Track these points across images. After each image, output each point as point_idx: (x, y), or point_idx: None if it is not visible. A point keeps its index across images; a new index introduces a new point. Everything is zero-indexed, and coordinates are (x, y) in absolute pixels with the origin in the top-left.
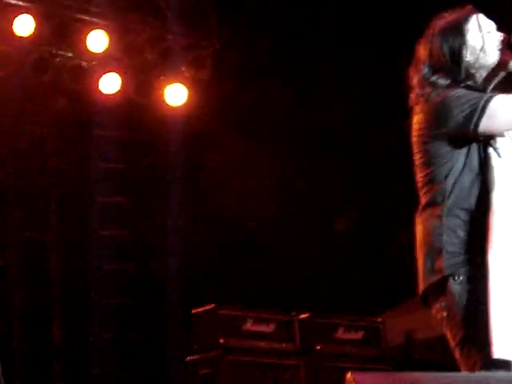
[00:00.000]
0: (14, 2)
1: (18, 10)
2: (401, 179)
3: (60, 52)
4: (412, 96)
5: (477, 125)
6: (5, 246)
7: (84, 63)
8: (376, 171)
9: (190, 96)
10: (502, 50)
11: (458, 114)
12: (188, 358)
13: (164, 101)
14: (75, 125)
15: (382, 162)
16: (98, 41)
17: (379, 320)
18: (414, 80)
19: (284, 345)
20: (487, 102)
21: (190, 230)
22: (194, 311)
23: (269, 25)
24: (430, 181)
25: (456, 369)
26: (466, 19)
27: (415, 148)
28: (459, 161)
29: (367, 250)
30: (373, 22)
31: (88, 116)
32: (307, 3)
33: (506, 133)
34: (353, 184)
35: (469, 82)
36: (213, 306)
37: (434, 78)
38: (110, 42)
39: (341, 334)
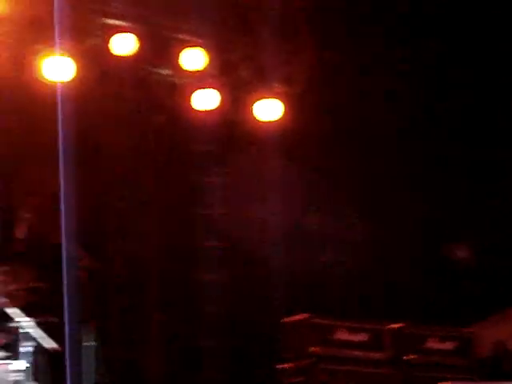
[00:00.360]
0: (113, 22)
1: (117, 30)
2: None
3: (158, 70)
4: None
5: None
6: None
7: (180, 80)
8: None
9: (283, 111)
10: None
11: None
12: (278, 366)
13: (256, 116)
14: (172, 140)
15: None
16: (194, 59)
17: (470, 330)
18: None
19: (375, 354)
20: None
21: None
22: (285, 320)
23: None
24: None
25: None
26: None
27: None
28: None
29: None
30: None
31: (184, 131)
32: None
33: None
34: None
35: None
36: (306, 315)
37: None
38: (207, 59)
39: (432, 344)
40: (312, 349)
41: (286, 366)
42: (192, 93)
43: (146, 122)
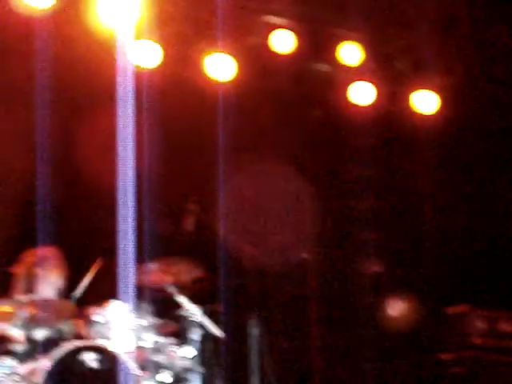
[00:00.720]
0: (273, 20)
1: (276, 28)
2: None
3: (316, 65)
4: None
5: None
6: None
7: (337, 75)
8: None
9: (440, 104)
10: None
11: None
12: (441, 356)
13: (413, 109)
14: (330, 134)
15: None
16: (351, 53)
17: None
18: None
19: None
20: None
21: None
22: (448, 311)
23: None
24: None
25: None
26: None
27: None
28: None
29: None
30: None
31: (342, 126)
32: None
33: None
34: None
35: None
36: (468, 306)
37: None
38: (363, 53)
39: None
40: (475, 340)
41: (448, 356)
42: (349, 87)
43: (304, 118)
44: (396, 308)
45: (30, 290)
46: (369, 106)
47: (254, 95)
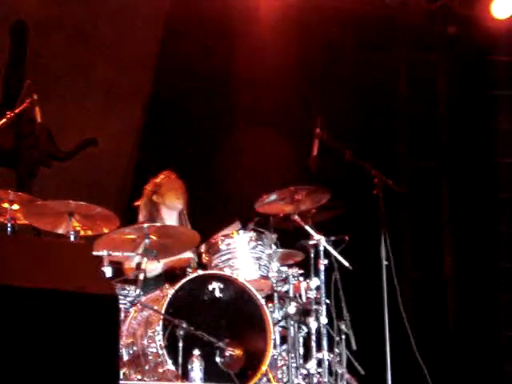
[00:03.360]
0: None
1: None
2: None
3: None
4: None
5: None
6: None
7: None
8: None
9: None
10: None
11: None
12: None
13: None
14: (468, 51)
15: None
16: None
17: None
18: None
19: None
20: None
21: None
22: None
23: None
24: None
25: None
26: None
27: None
28: None
29: None
30: None
31: (481, 41)
32: None
33: None
34: None
35: None
36: None
37: None
38: None
39: None
40: None
41: None
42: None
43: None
44: None
45: (152, 218)
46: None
47: None
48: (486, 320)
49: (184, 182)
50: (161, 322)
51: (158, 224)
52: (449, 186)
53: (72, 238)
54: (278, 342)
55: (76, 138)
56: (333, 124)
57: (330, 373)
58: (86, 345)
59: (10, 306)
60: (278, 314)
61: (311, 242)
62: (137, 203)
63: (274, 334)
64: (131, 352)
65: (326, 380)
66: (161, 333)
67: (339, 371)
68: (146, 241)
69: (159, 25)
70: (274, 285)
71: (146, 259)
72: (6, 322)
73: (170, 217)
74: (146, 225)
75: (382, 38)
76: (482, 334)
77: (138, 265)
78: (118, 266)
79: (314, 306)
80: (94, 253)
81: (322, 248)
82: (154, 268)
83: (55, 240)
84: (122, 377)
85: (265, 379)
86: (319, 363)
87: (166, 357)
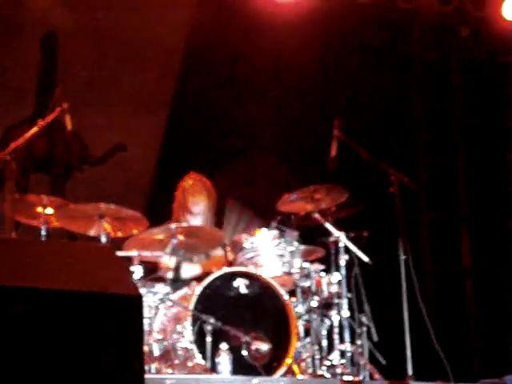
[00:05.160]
0: None
1: None
2: None
3: None
4: None
5: None
6: None
7: None
8: None
9: None
10: None
11: None
12: None
13: None
14: (479, 53)
15: None
16: None
17: None
18: None
19: None
20: None
21: None
22: None
23: None
24: None
25: None
26: None
27: None
28: None
29: None
30: None
31: (493, 43)
32: None
33: None
34: None
35: None
36: None
37: None
38: None
39: None
40: None
41: None
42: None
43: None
44: None
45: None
46: None
47: None
48: (505, 312)
49: (210, 182)
50: (189, 318)
51: (184, 224)
52: (465, 182)
53: (103, 239)
54: (301, 334)
55: (105, 144)
56: (350, 124)
57: (353, 363)
58: (110, 344)
59: (36, 308)
60: (301, 308)
61: (331, 239)
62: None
63: (298, 327)
64: (162, 347)
65: (348, 370)
66: (190, 328)
67: (361, 362)
68: (174, 241)
69: (183, 31)
70: (297, 280)
71: (173, 258)
72: (32, 324)
73: (193, 219)
74: (173, 225)
75: (396, 39)
76: (501, 326)
77: (177, 266)
78: (149, 266)
79: (336, 300)
80: (124, 253)
81: (342, 244)
82: (192, 270)
83: (79, 243)
84: (153, 371)
85: (290, 371)
86: (342, 354)
87: (195, 351)
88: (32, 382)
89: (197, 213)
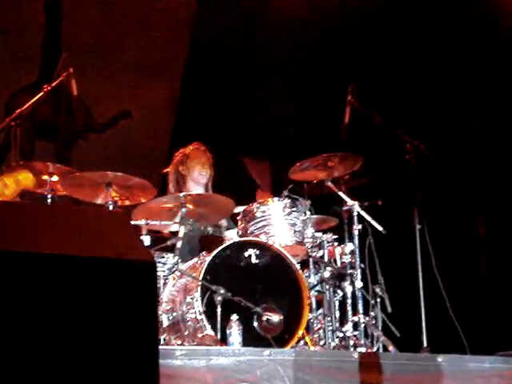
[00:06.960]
0: None
1: None
2: None
3: None
4: None
5: None
6: None
7: None
8: None
9: None
10: None
11: None
12: None
13: None
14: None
15: None
16: None
17: None
18: None
19: None
20: None
21: None
22: None
23: None
24: None
25: None
26: None
27: None
28: None
29: None
30: None
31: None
32: None
33: None
34: None
35: None
36: None
37: None
38: None
39: None
40: None
41: None
42: None
43: None
44: None
45: (179, 189)
46: None
47: None
48: None
49: (213, 155)
50: (199, 289)
51: (193, 193)
52: (482, 152)
53: (110, 207)
54: (314, 306)
55: (111, 110)
56: (364, 91)
57: (366, 335)
58: (125, 311)
59: (48, 274)
60: (313, 279)
61: (345, 208)
62: (165, 170)
63: (310, 298)
64: (171, 318)
65: (362, 342)
66: (199, 299)
67: (375, 334)
68: (183, 209)
69: None
70: (309, 250)
71: (182, 227)
72: (44, 290)
73: (196, 189)
74: (182, 194)
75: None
76: None
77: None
78: (156, 235)
79: (349, 271)
80: (132, 222)
81: (355, 213)
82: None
83: (92, 209)
84: (162, 342)
85: (302, 342)
86: (355, 326)
87: (205, 322)
88: (43, 351)
89: (203, 182)
